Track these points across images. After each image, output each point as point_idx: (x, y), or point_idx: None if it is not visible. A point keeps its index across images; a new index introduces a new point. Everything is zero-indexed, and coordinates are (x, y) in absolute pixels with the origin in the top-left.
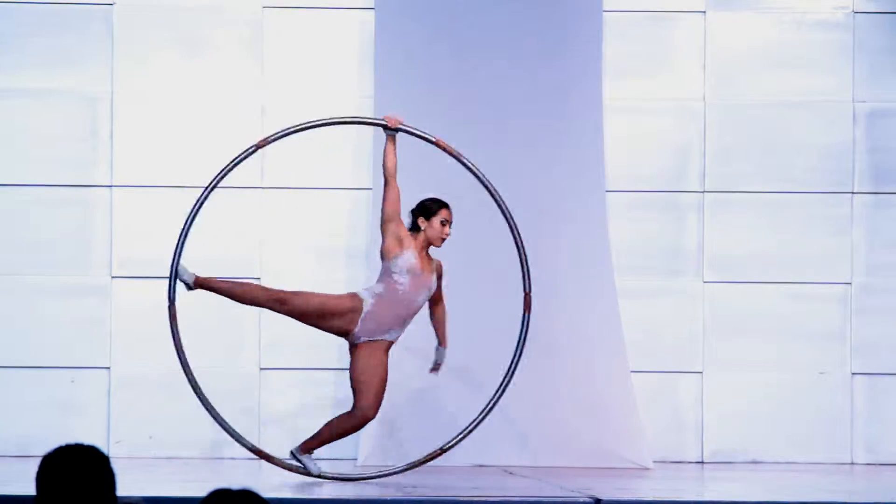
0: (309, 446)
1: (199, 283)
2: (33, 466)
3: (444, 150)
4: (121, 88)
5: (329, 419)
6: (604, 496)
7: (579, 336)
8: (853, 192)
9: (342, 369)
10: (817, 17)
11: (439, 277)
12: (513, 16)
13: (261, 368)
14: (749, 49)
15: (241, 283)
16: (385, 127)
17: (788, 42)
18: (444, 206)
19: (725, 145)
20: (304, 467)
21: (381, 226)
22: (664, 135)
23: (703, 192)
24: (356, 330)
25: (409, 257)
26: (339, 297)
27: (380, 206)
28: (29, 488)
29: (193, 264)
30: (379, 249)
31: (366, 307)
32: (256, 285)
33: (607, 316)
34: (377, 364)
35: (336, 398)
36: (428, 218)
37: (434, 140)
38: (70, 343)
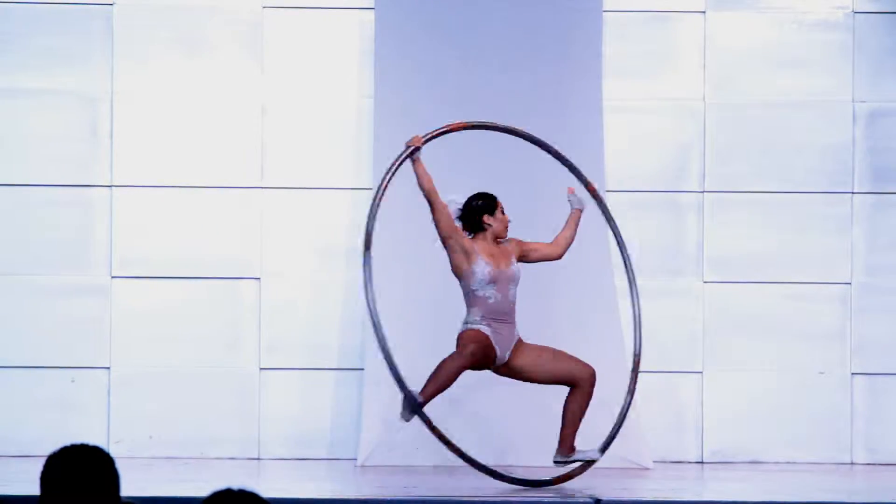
0: (569, 445)
1: (424, 403)
2: (33, 466)
3: (467, 127)
4: (121, 88)
5: (564, 413)
6: (604, 496)
7: (579, 336)
8: (853, 192)
9: (342, 369)
10: (817, 17)
11: (525, 254)
12: (513, 15)
13: (261, 368)
14: (749, 49)
15: (437, 377)
16: (413, 151)
17: (788, 42)
18: (495, 196)
19: (725, 145)
20: (585, 460)
21: (443, 244)
22: (664, 135)
23: (703, 192)
24: (499, 354)
25: (482, 269)
26: (469, 346)
27: (382, 206)
28: (29, 488)
29: (194, 264)
30: (451, 269)
31: (490, 335)
32: (442, 372)
33: (607, 316)
34: (534, 353)
35: (336, 398)
36: (492, 213)
37: (451, 127)
38: (70, 343)
